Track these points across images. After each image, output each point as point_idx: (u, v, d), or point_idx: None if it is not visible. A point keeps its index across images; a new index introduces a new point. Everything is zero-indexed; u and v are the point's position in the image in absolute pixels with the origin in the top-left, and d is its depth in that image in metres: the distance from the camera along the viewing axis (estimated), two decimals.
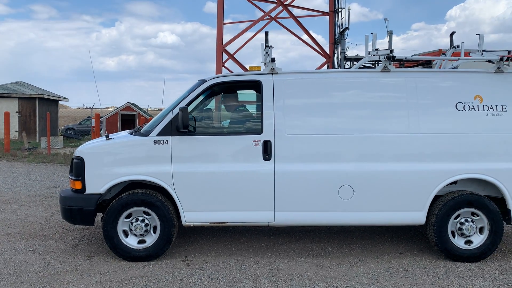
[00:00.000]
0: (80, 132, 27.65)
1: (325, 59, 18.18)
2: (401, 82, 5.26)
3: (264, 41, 5.66)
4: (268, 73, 5.32)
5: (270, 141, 5.13)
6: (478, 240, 5.21)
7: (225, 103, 6.25)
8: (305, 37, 20.22)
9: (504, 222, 5.26)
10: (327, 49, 18.44)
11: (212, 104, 7.46)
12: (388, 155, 5.15)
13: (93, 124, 18.05)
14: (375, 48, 5.52)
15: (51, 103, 25.24)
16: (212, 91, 6.60)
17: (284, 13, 18.46)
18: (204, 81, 5.39)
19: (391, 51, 5.19)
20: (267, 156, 5.12)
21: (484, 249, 5.18)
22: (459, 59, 5.69)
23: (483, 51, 5.64)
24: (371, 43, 5.75)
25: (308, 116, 5.25)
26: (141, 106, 28.73)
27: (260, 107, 5.29)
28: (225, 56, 17.70)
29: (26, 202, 8.33)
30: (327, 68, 17.98)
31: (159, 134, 5.11)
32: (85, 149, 5.28)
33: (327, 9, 18.83)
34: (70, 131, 28.25)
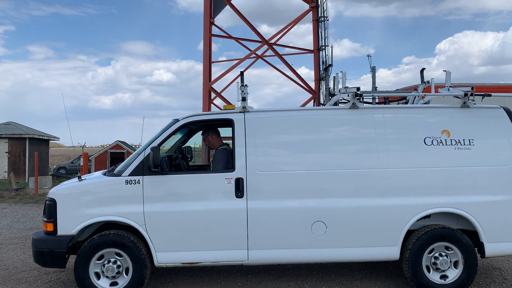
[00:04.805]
0: (72, 171, 27.43)
1: (311, 95, 18.49)
2: (369, 118, 5.36)
3: (239, 80, 5.76)
4: (240, 112, 5.42)
5: (242, 179, 5.15)
6: (453, 274, 5.18)
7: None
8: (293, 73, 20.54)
9: (479, 256, 5.24)
10: (313, 85, 18.79)
11: (191, 142, 7.53)
12: (359, 191, 5.18)
13: (81, 163, 18.00)
14: (344, 86, 5.66)
15: (41, 142, 25.26)
16: (190, 129, 6.71)
17: (271, 51, 18.89)
18: (177, 120, 5.46)
19: (358, 88, 5.33)
20: (239, 194, 5.14)
21: (460, 284, 5.13)
22: (425, 95, 5.83)
23: (450, 86, 5.78)
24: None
25: (279, 153, 5.32)
26: (136, 143, 28.76)
27: (232, 145, 5.36)
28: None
29: (5, 244, 8.20)
30: (313, 104, 18.26)
31: (131, 174, 5.12)
32: (57, 191, 5.29)
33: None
34: (62, 170, 28.06)
